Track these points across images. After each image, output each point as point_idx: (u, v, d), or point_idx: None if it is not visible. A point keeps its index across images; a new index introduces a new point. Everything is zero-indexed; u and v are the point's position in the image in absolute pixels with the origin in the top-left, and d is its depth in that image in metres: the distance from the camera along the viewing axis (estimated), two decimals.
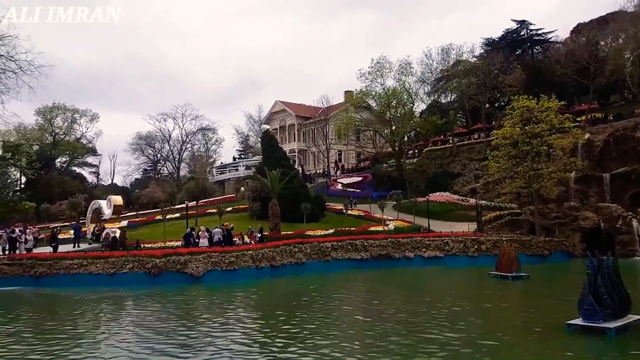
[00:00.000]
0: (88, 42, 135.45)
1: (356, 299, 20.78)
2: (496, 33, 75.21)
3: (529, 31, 70.07)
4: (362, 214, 45.54)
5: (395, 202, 46.88)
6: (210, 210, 47.17)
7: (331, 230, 38.01)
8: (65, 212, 56.93)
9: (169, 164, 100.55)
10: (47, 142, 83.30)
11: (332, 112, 73.15)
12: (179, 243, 32.02)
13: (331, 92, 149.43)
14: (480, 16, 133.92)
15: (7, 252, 28.35)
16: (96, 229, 37.28)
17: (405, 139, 67.15)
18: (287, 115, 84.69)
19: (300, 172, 66.04)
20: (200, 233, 30.89)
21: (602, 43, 55.79)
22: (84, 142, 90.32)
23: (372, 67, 61.17)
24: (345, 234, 36.19)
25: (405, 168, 59.26)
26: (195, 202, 51.02)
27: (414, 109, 65.57)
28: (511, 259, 25.40)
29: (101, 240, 33.71)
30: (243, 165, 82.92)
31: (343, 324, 15.14)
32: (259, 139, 77.04)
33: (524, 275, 24.98)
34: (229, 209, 49.00)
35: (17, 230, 30.49)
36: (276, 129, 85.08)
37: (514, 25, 70.41)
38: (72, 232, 36.50)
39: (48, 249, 30.19)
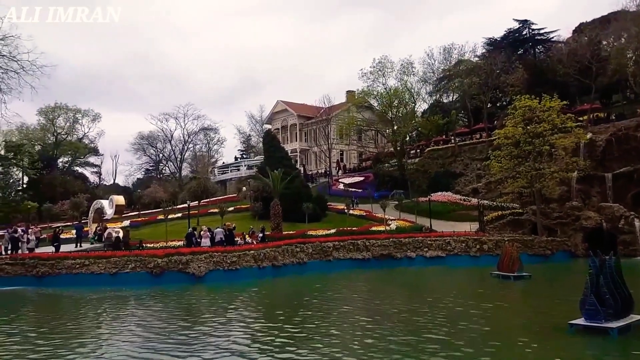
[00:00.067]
0: (89, 42, 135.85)
1: (358, 299, 20.78)
2: (498, 33, 75.22)
3: (531, 31, 69.94)
4: (364, 214, 45.53)
5: (397, 202, 46.86)
6: (212, 210, 47.26)
7: (333, 230, 38.00)
8: (67, 212, 56.99)
9: (171, 163, 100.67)
10: (49, 142, 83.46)
11: (333, 111, 73.13)
12: (181, 243, 32.05)
13: (333, 91, 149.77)
14: (482, 16, 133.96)
15: (9, 252, 28.39)
16: (98, 228, 37.39)
17: (407, 138, 67.05)
18: (288, 115, 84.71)
19: (302, 172, 66.06)
20: (202, 233, 30.92)
21: (605, 42, 55.68)
22: (86, 142, 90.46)
23: (374, 67, 61.20)
24: (347, 234, 36.19)
25: (407, 168, 59.21)
26: (197, 202, 51.07)
27: (415, 109, 65.58)
28: (513, 259, 25.37)
29: (103, 240, 33.80)
30: (245, 165, 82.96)
31: (344, 323, 15.12)
32: (261, 139, 77.18)
33: (526, 275, 24.94)
34: (231, 208, 49.05)
35: (19, 230, 30.53)
36: (278, 128, 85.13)
37: (516, 25, 70.35)
38: (74, 232, 36.58)
39: (50, 249, 30.26)
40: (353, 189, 58.64)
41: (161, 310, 18.34)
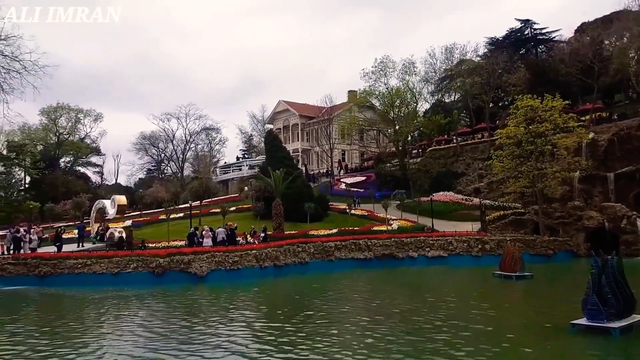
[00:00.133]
0: (90, 42, 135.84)
1: (359, 299, 20.78)
2: (500, 32, 75.11)
3: (533, 30, 69.81)
4: (366, 214, 45.51)
5: (398, 202, 46.84)
6: (213, 210, 47.29)
7: (335, 230, 38.00)
8: (69, 211, 57.02)
9: (173, 163, 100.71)
10: (51, 142, 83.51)
11: (335, 111, 73.09)
12: (183, 243, 32.08)
13: (334, 91, 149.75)
14: (484, 15, 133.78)
15: (11, 252, 28.45)
16: (100, 228, 37.43)
17: (409, 138, 67.00)
18: (290, 114, 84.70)
19: (304, 171, 65.98)
20: (204, 233, 30.94)
21: (607, 42, 55.57)
22: (88, 142, 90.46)
23: (376, 67, 61.15)
24: (348, 234, 36.20)
25: (409, 168, 59.18)
26: (199, 201, 51.10)
27: (417, 109, 65.55)
28: (515, 259, 25.35)
29: (105, 239, 33.85)
30: (247, 165, 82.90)
31: (345, 323, 15.12)
32: (263, 139, 77.11)
33: (528, 275, 24.92)
34: (233, 208, 49.08)
35: (21, 229, 30.60)
36: (280, 128, 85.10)
37: (517, 25, 70.19)
38: (76, 231, 36.60)
39: (52, 249, 30.27)
40: (355, 189, 58.58)
41: (163, 310, 18.38)
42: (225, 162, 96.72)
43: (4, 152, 71.71)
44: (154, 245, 32.35)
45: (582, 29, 60.72)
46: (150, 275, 25.86)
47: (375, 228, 38.91)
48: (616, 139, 42.34)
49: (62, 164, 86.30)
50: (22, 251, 28.62)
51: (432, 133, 64.56)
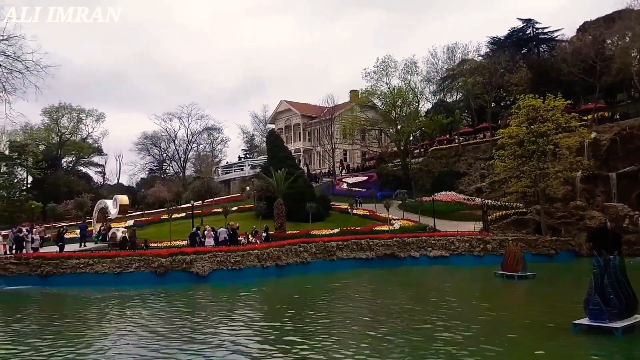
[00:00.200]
0: (92, 42, 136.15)
1: (361, 299, 20.77)
2: (502, 32, 74.93)
3: (534, 30, 69.78)
4: (368, 214, 45.49)
5: (400, 202, 46.81)
6: (215, 210, 47.30)
7: (336, 230, 37.99)
8: (71, 211, 57.16)
9: (175, 163, 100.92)
10: (54, 141, 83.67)
11: (337, 111, 73.11)
12: (185, 242, 32.11)
13: (336, 91, 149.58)
14: (486, 15, 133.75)
15: (14, 252, 28.50)
16: (102, 228, 37.48)
17: (411, 138, 67.00)
18: (292, 114, 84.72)
19: (306, 171, 65.97)
20: (205, 232, 30.95)
21: (609, 41, 55.46)
22: (90, 142, 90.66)
23: (378, 67, 61.12)
24: (350, 234, 36.17)
25: (411, 167, 59.16)
26: (200, 201, 51.18)
27: (419, 108, 65.51)
28: (517, 259, 25.32)
29: (107, 239, 33.88)
30: (248, 165, 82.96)
31: (347, 323, 15.13)
32: (264, 139, 77.12)
33: (530, 275, 24.89)
34: (235, 208, 49.09)
35: (23, 229, 30.64)
36: (281, 128, 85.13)
37: (519, 24, 70.17)
38: (78, 231, 36.67)
39: (54, 249, 30.33)
40: (356, 189, 58.57)
41: (165, 310, 18.38)
42: (227, 162, 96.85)
43: (7, 152, 71.89)
44: (156, 245, 32.40)
45: (584, 28, 60.64)
46: (152, 275, 25.86)
47: (377, 228, 38.89)
48: (618, 138, 42.27)
49: (64, 163, 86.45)
50: (24, 251, 28.69)
51: (434, 133, 64.52)
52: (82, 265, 26.06)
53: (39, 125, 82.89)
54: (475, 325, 14.09)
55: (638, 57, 51.49)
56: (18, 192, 67.10)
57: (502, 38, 69.99)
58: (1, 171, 69.44)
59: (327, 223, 42.74)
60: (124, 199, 40.49)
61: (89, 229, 38.54)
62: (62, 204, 60.56)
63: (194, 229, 32.80)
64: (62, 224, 46.19)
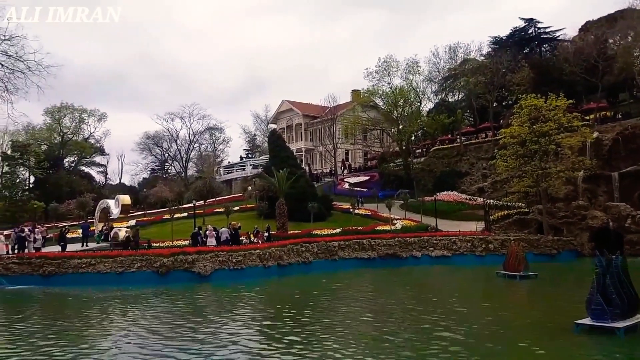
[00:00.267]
0: (91, 42, 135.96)
1: (362, 299, 20.75)
2: (504, 31, 74.89)
3: (537, 29, 69.66)
4: (369, 213, 45.51)
5: (402, 201, 46.80)
6: (217, 210, 47.33)
7: (338, 230, 38.00)
8: (73, 211, 57.28)
9: (177, 163, 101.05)
10: (56, 141, 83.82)
11: (339, 111, 73.13)
12: (187, 242, 32.13)
13: (338, 91, 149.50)
14: (488, 15, 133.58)
15: (16, 251, 28.54)
16: (104, 228, 37.52)
17: (413, 138, 67.02)
18: (294, 114, 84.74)
19: (307, 171, 66.05)
20: (207, 232, 30.98)
21: (611, 41, 55.37)
22: (92, 142, 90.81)
23: (379, 66, 61.20)
24: (352, 233, 36.20)
25: (413, 167, 59.17)
26: (202, 201, 51.18)
27: (421, 108, 65.46)
28: (519, 258, 25.30)
29: (109, 239, 33.93)
30: (250, 165, 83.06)
31: (349, 323, 15.12)
32: (266, 139, 77.18)
33: (532, 275, 24.86)
34: (236, 208, 49.13)
35: (26, 229, 30.69)
36: (283, 128, 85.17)
37: (521, 24, 70.05)
38: (80, 231, 36.73)
39: (56, 248, 30.40)
40: (358, 189, 58.61)
41: (167, 310, 18.39)
42: (228, 162, 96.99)
43: (9, 152, 72.05)
44: (157, 244, 32.44)
45: (586, 27, 60.52)
46: (154, 274, 25.87)
47: (379, 228, 38.91)
48: (620, 138, 42.19)
49: (66, 163, 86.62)
50: (26, 250, 28.72)
51: (435, 132, 64.50)
52: (84, 265, 26.09)
53: (41, 125, 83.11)
54: (476, 325, 14.08)
55: None
56: (20, 192, 67.24)
57: (504, 38, 69.90)
58: (3, 171, 69.72)
59: (328, 223, 42.75)
60: (126, 198, 40.47)
61: (91, 228, 38.59)
62: (64, 204, 60.67)
63: (196, 228, 32.83)
64: (64, 224, 46.26)
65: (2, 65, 32.62)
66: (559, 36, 68.52)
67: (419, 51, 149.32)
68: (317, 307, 18.26)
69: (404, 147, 61.51)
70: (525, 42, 70.06)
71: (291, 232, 37.84)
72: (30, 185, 73.12)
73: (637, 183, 38.69)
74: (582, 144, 39.40)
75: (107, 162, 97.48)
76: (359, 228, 38.36)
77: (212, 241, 30.04)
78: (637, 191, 38.28)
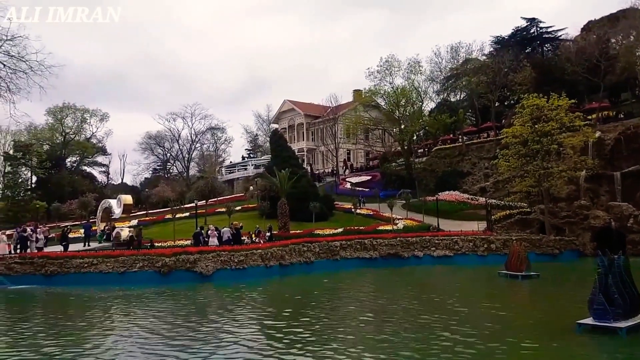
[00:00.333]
0: (91, 42, 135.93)
1: (364, 298, 20.76)
2: (506, 31, 75.03)
3: (538, 29, 69.58)
4: (371, 213, 45.50)
5: (404, 201, 46.79)
6: (219, 210, 47.30)
7: (340, 229, 38.00)
8: (75, 211, 57.27)
9: (179, 163, 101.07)
10: (58, 141, 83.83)
11: (340, 111, 73.09)
12: (189, 242, 32.15)
13: (340, 91, 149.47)
14: (490, 14, 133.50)
15: (18, 251, 28.58)
16: (106, 228, 37.56)
17: (414, 137, 66.97)
18: (295, 114, 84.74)
19: (309, 171, 66.07)
20: (209, 232, 30.98)
21: (613, 40, 55.30)
22: (94, 142, 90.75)
23: (381, 66, 61.15)
24: (354, 233, 36.20)
25: (415, 167, 59.14)
26: (204, 201, 51.19)
27: (423, 108, 65.38)
28: (521, 258, 25.27)
29: (111, 239, 33.96)
30: (252, 165, 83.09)
31: (351, 322, 15.13)
32: (268, 138, 77.19)
33: (534, 275, 24.84)
34: (238, 208, 49.10)
35: (28, 229, 30.73)
36: (285, 128, 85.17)
37: (523, 23, 69.98)
38: (82, 231, 36.73)
39: (59, 248, 30.41)
40: (360, 188, 58.62)
41: (169, 309, 18.41)
42: (230, 162, 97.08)
43: (11, 152, 72.11)
44: (159, 244, 32.44)
45: (589, 27, 60.41)
46: (156, 274, 25.90)
47: (381, 227, 38.91)
48: (623, 137, 42.11)
49: (69, 163, 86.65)
50: (28, 250, 28.76)
51: (437, 132, 64.46)
52: (86, 265, 26.12)
53: (43, 125, 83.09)
54: (479, 324, 14.06)
55: None
56: (22, 191, 67.24)
57: (506, 37, 69.84)
58: (5, 171, 69.77)
59: (330, 223, 42.76)
60: (127, 198, 40.51)
61: (93, 228, 38.62)
62: (66, 204, 60.69)
63: (198, 228, 32.83)
64: (66, 224, 46.25)
65: (5, 65, 32.70)
66: (561, 36, 68.45)
67: (419, 51, 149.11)
68: (318, 307, 18.26)
69: (405, 147, 61.49)
70: (527, 42, 70.00)
71: (293, 232, 37.84)
72: (33, 185, 73.16)
73: (639, 183, 38.61)
74: (584, 143, 39.37)
75: (109, 162, 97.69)
76: (360, 228, 38.35)
77: (214, 241, 30.03)
78: (639, 191, 38.20)
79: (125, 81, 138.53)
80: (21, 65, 33.32)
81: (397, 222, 40.46)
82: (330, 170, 73.55)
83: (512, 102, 62.98)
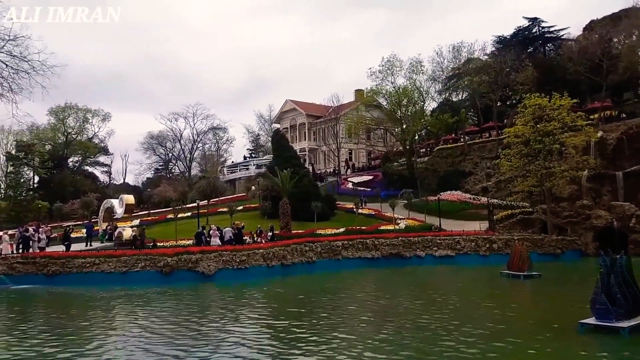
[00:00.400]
0: (92, 42, 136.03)
1: (366, 298, 20.76)
2: (508, 31, 74.94)
3: (540, 29, 69.42)
4: (373, 213, 45.48)
5: (406, 201, 46.76)
6: (221, 209, 47.44)
7: (342, 229, 37.99)
8: (77, 211, 57.38)
9: (180, 163, 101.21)
10: (60, 141, 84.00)
11: (342, 110, 73.08)
12: (191, 242, 32.18)
13: (341, 90, 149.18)
14: (492, 14, 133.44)
15: (20, 251, 28.63)
16: (108, 227, 37.61)
17: (416, 137, 66.92)
18: (297, 114, 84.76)
19: (311, 171, 66.06)
20: (211, 232, 31.02)
21: (615, 40, 55.17)
22: (96, 142, 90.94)
23: (383, 66, 61.00)
24: (355, 233, 36.19)
25: (416, 167, 59.06)
26: (206, 201, 51.25)
27: (424, 108, 65.27)
28: (523, 258, 25.25)
29: (113, 239, 33.99)
30: (254, 164, 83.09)
31: (352, 322, 15.12)
32: (270, 138, 77.27)
33: (536, 274, 24.80)
34: (240, 207, 49.20)
35: (30, 229, 30.76)
36: (287, 128, 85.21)
37: (525, 23, 69.81)
38: (84, 231, 36.80)
39: (61, 248, 30.44)
40: (362, 188, 58.63)
41: (171, 309, 18.42)
42: (232, 162, 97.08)
43: (13, 152, 72.27)
44: (161, 244, 32.48)
45: (591, 26, 60.29)
46: (158, 274, 25.92)
47: (383, 227, 38.89)
48: (625, 137, 42.03)
49: (71, 163, 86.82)
50: (30, 250, 28.81)
51: (439, 132, 64.38)
52: (88, 265, 26.16)
53: (45, 125, 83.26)
54: (480, 324, 14.04)
55: None
56: (25, 191, 67.48)
57: (508, 37, 69.68)
58: (8, 171, 69.93)
59: (332, 222, 42.77)
60: (130, 198, 40.56)
61: (95, 228, 38.67)
62: (69, 204, 60.82)
63: (200, 228, 32.88)
64: (69, 224, 46.35)
65: (7, 65, 32.62)
66: (562, 35, 68.29)
67: (419, 51, 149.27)
68: (320, 306, 18.26)
69: (407, 147, 61.44)
70: (529, 42, 69.84)
71: (295, 231, 37.86)
72: (35, 185, 73.34)
73: None
74: (586, 143, 39.25)
75: (111, 162, 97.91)
76: (362, 228, 38.34)
77: (215, 241, 30.08)
78: None
79: (126, 81, 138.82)
80: (23, 65, 33.29)
81: (399, 222, 40.45)
82: (332, 170, 73.54)
83: (514, 101, 62.89)
